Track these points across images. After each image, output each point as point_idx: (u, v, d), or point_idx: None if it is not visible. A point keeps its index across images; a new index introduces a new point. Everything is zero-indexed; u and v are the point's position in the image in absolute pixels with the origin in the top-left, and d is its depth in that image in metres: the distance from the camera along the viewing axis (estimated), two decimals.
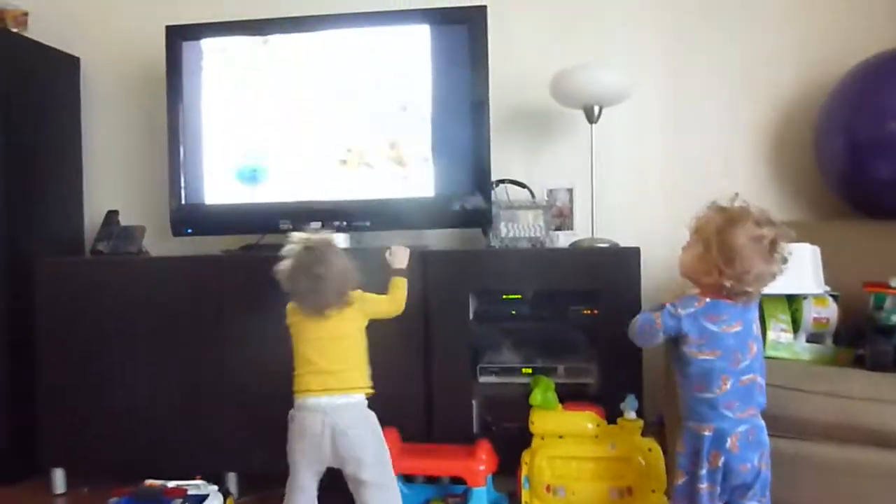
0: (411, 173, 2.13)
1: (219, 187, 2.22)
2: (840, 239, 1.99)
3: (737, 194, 1.48)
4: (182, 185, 2.23)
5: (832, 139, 2.12)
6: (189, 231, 2.23)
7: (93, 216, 2.49)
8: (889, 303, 1.71)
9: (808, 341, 1.78)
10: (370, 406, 1.72)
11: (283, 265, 1.71)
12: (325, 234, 1.80)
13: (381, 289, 1.82)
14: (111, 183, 2.57)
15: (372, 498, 1.66)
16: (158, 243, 2.36)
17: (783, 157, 2.30)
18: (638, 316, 1.53)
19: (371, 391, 1.72)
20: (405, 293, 1.83)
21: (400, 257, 1.87)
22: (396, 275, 1.85)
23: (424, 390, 1.97)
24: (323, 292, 1.68)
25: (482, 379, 2.01)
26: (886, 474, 1.47)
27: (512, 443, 1.83)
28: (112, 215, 2.34)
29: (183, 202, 2.23)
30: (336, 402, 1.66)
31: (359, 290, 1.78)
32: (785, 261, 1.58)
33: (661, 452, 1.71)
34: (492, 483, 1.83)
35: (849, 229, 2.08)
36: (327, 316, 1.71)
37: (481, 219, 2.11)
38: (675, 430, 1.57)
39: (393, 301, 1.81)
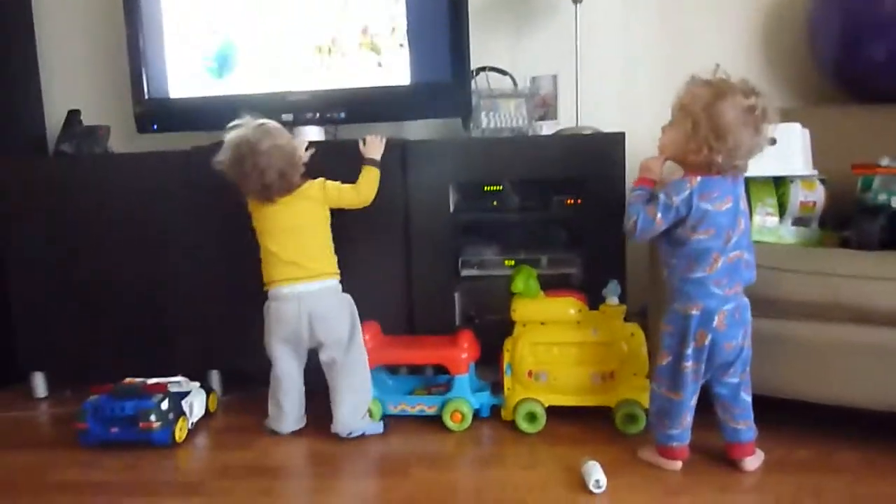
0: (387, 61, 2.02)
1: (184, 80, 2.10)
2: (831, 123, 1.95)
3: (717, 66, 1.41)
4: (145, 79, 2.11)
5: (826, 20, 2.03)
6: (155, 128, 2.12)
7: (54, 117, 2.36)
8: (877, 183, 1.68)
9: (793, 225, 1.76)
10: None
11: (224, 147, 1.67)
12: (266, 119, 1.73)
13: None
14: (71, 81, 2.43)
15: (340, 376, 1.69)
16: (125, 142, 2.25)
17: (776, 40, 2.21)
18: (632, 214, 1.46)
19: (337, 276, 1.72)
20: (375, 184, 1.78)
21: (373, 146, 1.81)
22: (368, 164, 1.79)
23: (405, 284, 1.95)
24: (264, 172, 1.64)
25: (464, 272, 1.98)
26: (867, 350, 1.48)
27: (495, 333, 1.82)
28: (74, 115, 2.22)
29: (147, 97, 2.11)
30: (310, 287, 1.67)
31: (320, 178, 1.74)
32: (774, 140, 1.55)
33: (643, 337, 1.71)
34: (474, 371, 1.84)
35: (839, 113, 2.02)
36: (277, 202, 1.68)
37: (461, 108, 2.02)
38: (659, 314, 1.56)
39: (358, 190, 1.76)
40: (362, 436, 1.70)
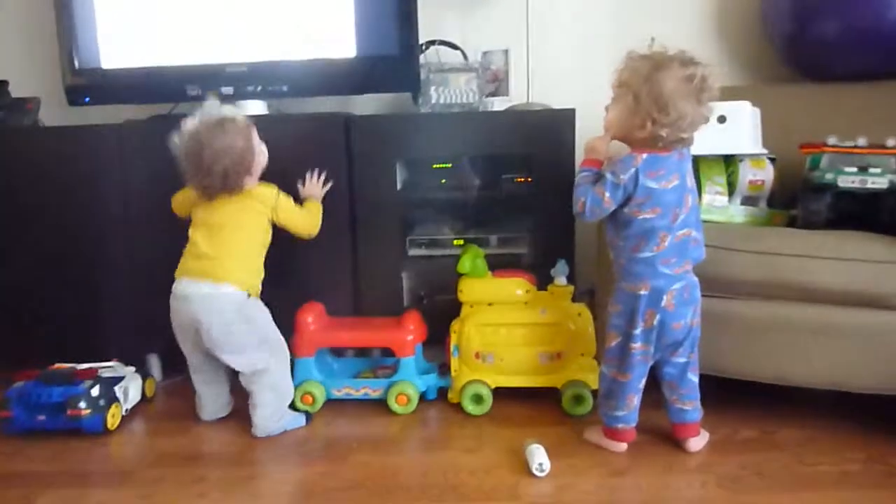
0: (332, 32, 1.93)
1: (117, 50, 1.99)
2: (780, 101, 1.94)
3: (653, 39, 1.38)
4: (75, 48, 1.99)
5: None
6: (87, 100, 2.01)
7: None
8: (824, 162, 1.66)
9: (742, 204, 1.75)
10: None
11: (180, 134, 1.58)
12: (237, 109, 1.64)
13: (303, 160, 1.70)
14: None
15: (251, 381, 1.62)
16: (56, 115, 2.13)
17: (729, 18, 2.19)
18: (580, 196, 1.42)
19: (252, 292, 1.63)
20: (319, 218, 1.72)
21: (312, 188, 1.76)
22: (311, 200, 1.74)
23: (351, 264, 1.89)
24: (209, 170, 1.55)
25: (411, 252, 1.93)
26: (811, 329, 1.48)
27: (443, 314, 1.78)
28: (1, 86, 2.09)
29: (77, 67, 1.99)
30: (202, 290, 1.57)
31: (275, 188, 1.66)
32: (723, 117, 1.53)
33: (590, 316, 1.69)
34: (421, 353, 1.79)
35: (789, 92, 2.02)
36: (213, 200, 1.60)
37: (409, 83, 1.95)
38: (607, 295, 1.54)
39: (310, 217, 1.71)
40: (283, 433, 1.63)
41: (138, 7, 1.97)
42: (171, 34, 1.97)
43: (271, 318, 1.66)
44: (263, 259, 1.66)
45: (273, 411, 1.62)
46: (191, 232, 1.64)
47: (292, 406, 1.68)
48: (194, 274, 1.59)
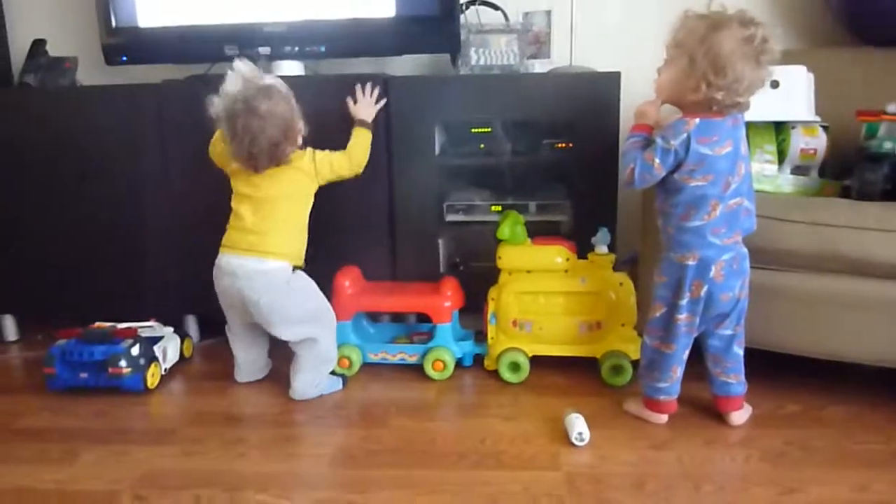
0: None
1: (154, 8, 1.97)
2: (836, 67, 1.86)
3: None
4: (112, 7, 1.96)
5: None
6: (124, 59, 1.99)
7: (19, 47, 2.22)
8: (882, 130, 1.60)
9: (792, 173, 1.69)
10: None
11: (221, 94, 1.53)
12: (272, 74, 1.59)
13: (340, 123, 1.66)
14: (36, 10, 2.27)
15: (300, 351, 1.62)
16: (93, 75, 2.12)
17: None
18: (629, 162, 1.37)
19: (298, 265, 1.61)
20: (367, 150, 1.66)
21: (365, 106, 1.69)
22: (360, 126, 1.68)
23: (388, 229, 1.87)
24: (255, 138, 1.49)
25: (449, 217, 1.91)
26: (863, 304, 1.43)
27: (480, 281, 1.76)
28: (39, 45, 2.08)
29: (115, 26, 1.97)
30: (248, 265, 1.56)
31: (310, 150, 1.61)
32: (776, 82, 1.47)
33: (632, 287, 1.65)
34: (458, 319, 1.78)
35: (846, 57, 1.92)
36: (260, 171, 1.55)
37: (449, 44, 1.90)
38: (651, 264, 1.50)
39: (351, 158, 1.65)
40: (320, 397, 1.63)
41: None
42: None
43: (317, 288, 1.65)
44: (307, 227, 1.64)
45: (314, 377, 1.63)
46: (234, 204, 1.61)
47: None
48: (240, 248, 1.57)
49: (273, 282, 1.57)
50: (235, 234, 1.59)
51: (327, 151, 1.64)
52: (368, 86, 1.73)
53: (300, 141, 1.60)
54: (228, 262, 1.58)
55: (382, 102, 1.73)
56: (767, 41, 1.28)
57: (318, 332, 1.62)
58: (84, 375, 1.64)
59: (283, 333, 1.60)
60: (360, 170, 1.68)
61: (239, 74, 1.54)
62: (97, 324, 1.75)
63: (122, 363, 1.62)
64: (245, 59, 1.57)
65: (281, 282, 1.57)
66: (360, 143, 1.67)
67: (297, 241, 1.62)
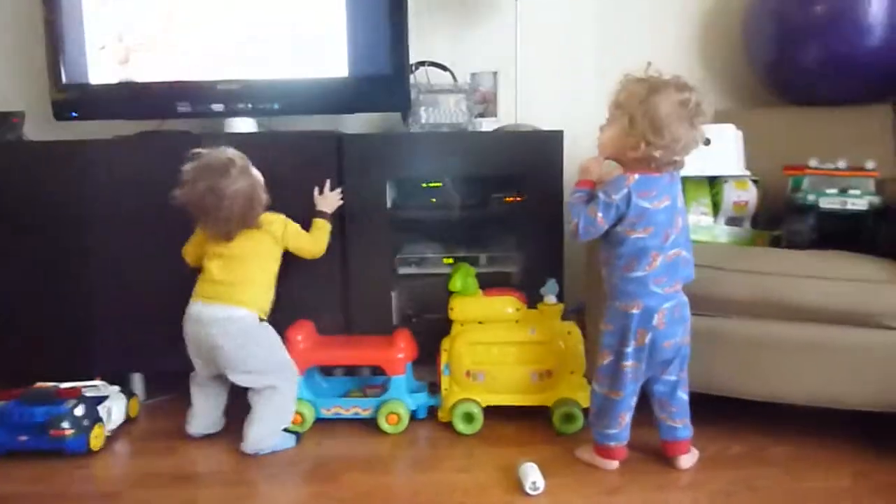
0: (324, 52, 1.95)
1: (105, 65, 1.98)
2: (763, 124, 2.00)
3: (649, 63, 1.41)
4: (62, 62, 1.97)
5: (760, 25, 2.07)
6: (74, 115, 1.99)
7: None
8: (806, 183, 1.71)
9: (727, 224, 1.78)
10: (283, 298, 1.64)
11: (184, 183, 1.60)
12: (231, 151, 1.66)
13: (293, 178, 1.72)
14: None
15: (259, 401, 1.62)
16: (42, 131, 2.09)
17: (711, 43, 2.25)
18: (574, 217, 1.45)
19: (263, 315, 1.66)
20: (328, 240, 1.75)
21: (330, 201, 1.78)
22: (321, 217, 1.77)
23: (341, 283, 1.88)
24: (227, 218, 1.60)
25: (401, 270, 1.94)
26: (798, 347, 1.51)
27: (433, 333, 1.78)
28: None
29: (64, 82, 1.97)
30: (216, 313, 1.61)
31: (282, 217, 1.70)
32: (708, 140, 1.57)
33: (580, 335, 1.70)
34: (411, 371, 1.79)
35: (772, 115, 2.08)
36: (234, 238, 1.64)
37: (400, 102, 1.97)
38: (597, 313, 1.55)
39: (316, 241, 1.75)
40: (272, 453, 1.61)
41: (128, 22, 1.96)
42: (162, 49, 1.96)
43: (281, 342, 1.68)
44: (275, 283, 1.70)
45: (270, 429, 1.61)
46: (205, 262, 1.67)
47: None
48: (209, 297, 1.63)
49: (238, 328, 1.61)
50: (205, 285, 1.65)
51: (298, 227, 1.73)
52: (331, 182, 1.81)
53: (265, 204, 1.68)
54: (198, 309, 1.63)
55: (341, 200, 1.81)
56: (700, 104, 1.38)
57: (279, 383, 1.63)
58: (24, 438, 1.58)
59: (244, 380, 1.62)
60: (320, 253, 1.76)
61: (197, 164, 1.61)
62: (39, 384, 1.69)
63: (65, 424, 1.56)
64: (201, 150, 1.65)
65: (246, 328, 1.62)
66: (323, 234, 1.77)
67: (264, 293, 1.68)
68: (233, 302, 1.62)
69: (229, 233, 1.64)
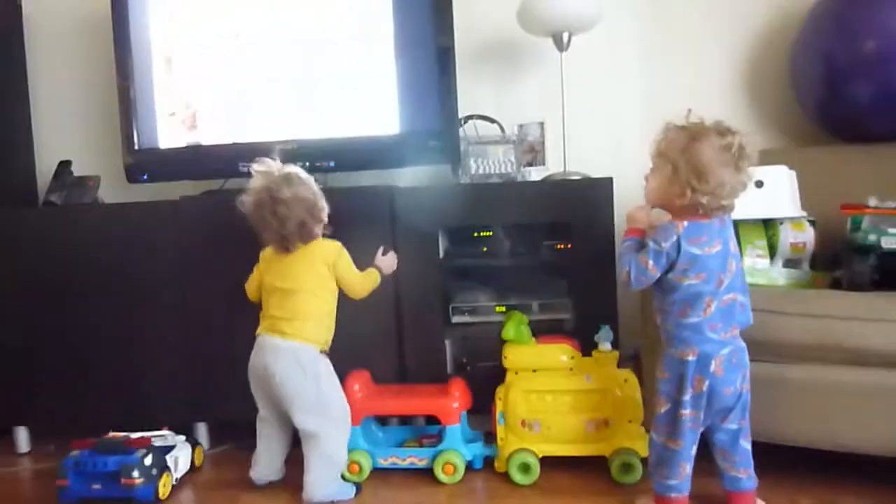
0: (376, 111, 2.03)
1: (174, 131, 2.11)
2: (817, 164, 1.96)
3: (689, 110, 1.42)
4: (135, 129, 2.12)
5: (809, 64, 2.06)
6: (145, 177, 2.12)
7: (45, 168, 2.36)
8: (866, 223, 1.67)
9: (784, 266, 1.75)
10: (339, 351, 1.68)
11: (248, 190, 1.67)
12: (295, 167, 1.73)
13: (348, 232, 1.77)
14: (62, 132, 2.44)
15: (306, 445, 1.64)
16: (115, 193, 2.24)
17: (759, 83, 2.24)
18: (625, 265, 1.45)
19: (322, 346, 1.69)
20: (375, 286, 1.77)
21: (388, 263, 1.82)
22: (377, 270, 1.80)
23: (396, 332, 1.92)
24: (284, 221, 1.64)
25: (455, 319, 1.96)
26: (865, 392, 1.45)
27: (487, 381, 1.78)
28: (64, 165, 2.23)
29: (137, 147, 2.12)
30: (277, 343, 1.65)
31: (339, 244, 1.73)
32: (761, 182, 1.56)
33: (637, 382, 1.68)
34: (466, 421, 1.79)
35: (826, 154, 2.04)
36: (294, 252, 1.67)
37: (450, 155, 2.03)
38: (653, 360, 1.54)
39: (364, 280, 1.75)
40: (332, 503, 1.63)
41: (194, 90, 2.10)
42: (225, 114, 2.09)
43: (338, 381, 1.71)
44: (334, 316, 1.72)
45: (323, 476, 1.63)
46: (265, 295, 1.72)
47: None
48: (271, 331, 1.67)
49: (295, 360, 1.64)
50: (266, 320, 1.70)
51: (351, 261, 1.73)
52: (390, 247, 1.85)
53: (325, 219, 1.72)
54: (262, 340, 1.68)
55: (392, 259, 1.84)
56: (744, 147, 1.38)
57: (328, 428, 1.64)
58: (97, 486, 1.65)
59: (299, 419, 1.64)
60: (363, 296, 1.75)
61: (261, 171, 1.69)
62: (111, 434, 1.77)
63: (135, 473, 1.62)
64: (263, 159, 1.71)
65: (302, 360, 1.65)
66: (373, 279, 1.77)
67: (322, 326, 1.70)
68: (291, 336, 1.64)
69: (288, 243, 1.66)
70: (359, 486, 1.68)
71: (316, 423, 1.64)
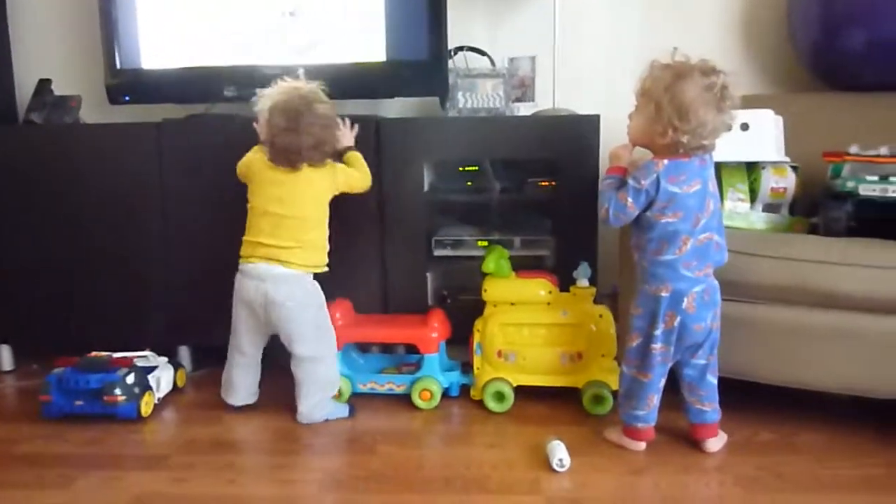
0: (362, 36, 1.99)
1: (157, 51, 2.06)
2: (804, 110, 1.96)
3: (675, 48, 1.42)
4: (116, 48, 2.06)
5: (804, 8, 2.03)
6: (127, 99, 2.08)
7: (24, 86, 2.31)
8: (846, 170, 1.68)
9: (764, 211, 1.77)
10: (321, 279, 1.69)
11: (266, 99, 1.63)
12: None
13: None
14: (42, 50, 2.37)
15: (303, 370, 1.67)
16: (96, 114, 2.20)
17: (755, 27, 2.22)
18: (604, 202, 1.47)
19: (321, 269, 1.69)
20: (365, 164, 1.76)
21: (347, 136, 1.79)
22: (350, 150, 1.78)
23: (378, 263, 1.93)
24: (308, 131, 1.60)
25: (437, 252, 1.97)
26: (831, 334, 1.50)
27: (466, 313, 1.82)
28: (44, 84, 2.17)
29: (119, 67, 2.07)
30: (273, 271, 1.63)
31: (329, 162, 1.70)
32: (746, 125, 1.56)
33: (612, 318, 1.72)
34: (445, 350, 1.84)
35: (813, 101, 2.04)
36: (297, 169, 1.63)
37: (438, 87, 2.00)
38: (629, 296, 1.57)
39: (361, 170, 1.75)
40: (326, 421, 1.68)
41: (178, 9, 2.04)
42: (209, 37, 2.04)
43: (327, 308, 1.72)
44: (328, 233, 1.71)
45: (321, 399, 1.68)
46: (256, 219, 1.66)
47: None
48: (265, 258, 1.63)
49: (295, 288, 1.64)
50: (259, 247, 1.64)
51: (343, 166, 1.73)
52: (347, 120, 1.81)
53: (336, 148, 1.71)
54: (254, 267, 1.64)
55: (356, 129, 1.82)
56: (727, 88, 1.38)
57: (324, 353, 1.68)
58: (79, 403, 1.68)
59: (299, 347, 1.65)
60: (369, 184, 1.77)
61: (293, 83, 1.66)
62: (94, 353, 1.80)
63: (118, 391, 1.66)
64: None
65: (311, 290, 1.67)
66: (362, 162, 1.77)
67: (323, 254, 1.70)
68: (294, 263, 1.62)
69: (299, 157, 1.61)
70: (352, 408, 1.72)
71: (315, 349, 1.67)
